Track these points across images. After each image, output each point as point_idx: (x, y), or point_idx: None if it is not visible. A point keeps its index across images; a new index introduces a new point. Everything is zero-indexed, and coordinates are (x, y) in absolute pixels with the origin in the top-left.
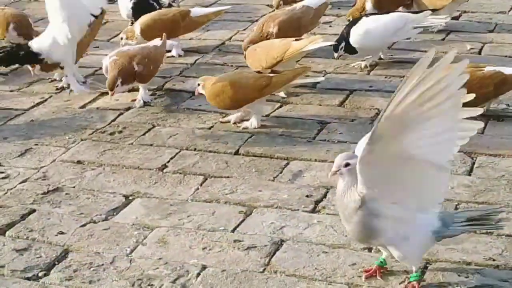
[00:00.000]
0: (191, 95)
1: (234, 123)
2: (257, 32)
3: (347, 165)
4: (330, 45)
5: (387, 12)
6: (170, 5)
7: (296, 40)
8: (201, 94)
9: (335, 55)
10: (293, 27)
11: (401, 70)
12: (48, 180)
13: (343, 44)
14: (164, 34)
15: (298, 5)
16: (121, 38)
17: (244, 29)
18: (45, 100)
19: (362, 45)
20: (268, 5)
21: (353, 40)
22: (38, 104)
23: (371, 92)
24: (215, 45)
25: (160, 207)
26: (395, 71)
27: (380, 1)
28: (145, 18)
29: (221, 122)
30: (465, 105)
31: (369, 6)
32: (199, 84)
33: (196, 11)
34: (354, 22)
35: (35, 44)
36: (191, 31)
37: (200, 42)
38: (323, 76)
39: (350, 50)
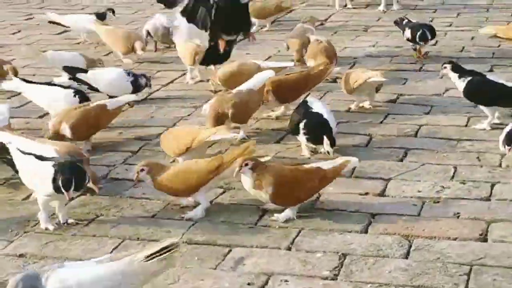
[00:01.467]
0: (135, 183)
1: None
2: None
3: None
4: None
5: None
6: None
7: (205, 128)
8: (140, 181)
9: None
10: (243, 110)
11: (342, 155)
12: None
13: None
14: None
15: (243, 88)
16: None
17: (189, 115)
18: None
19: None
20: (211, 91)
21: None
22: None
23: None
24: (159, 132)
25: None
26: (336, 154)
27: (278, 93)
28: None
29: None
30: None
31: (270, 97)
32: (142, 170)
33: (111, 103)
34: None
35: None
36: (108, 124)
37: (144, 129)
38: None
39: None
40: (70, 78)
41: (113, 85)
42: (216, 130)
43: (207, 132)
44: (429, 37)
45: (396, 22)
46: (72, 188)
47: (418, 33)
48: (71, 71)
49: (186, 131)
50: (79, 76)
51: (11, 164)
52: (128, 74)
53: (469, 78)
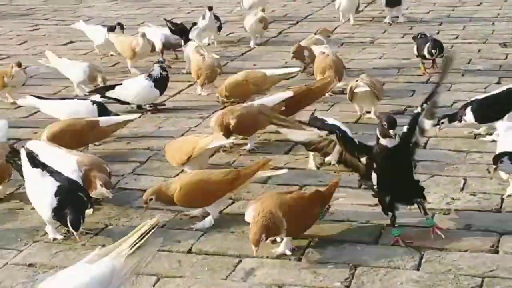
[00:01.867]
0: (143, 193)
1: None
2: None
3: None
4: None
5: None
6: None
7: (206, 136)
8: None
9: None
10: (250, 122)
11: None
12: None
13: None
14: None
15: (255, 102)
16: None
17: (196, 126)
18: None
19: None
20: (218, 101)
21: None
22: None
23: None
24: (167, 143)
25: None
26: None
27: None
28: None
29: None
30: None
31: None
32: (151, 199)
33: (105, 120)
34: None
35: None
36: (101, 139)
37: (152, 140)
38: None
39: None
40: (101, 97)
41: (142, 93)
42: (213, 138)
43: (206, 140)
44: (437, 52)
45: (414, 38)
46: (81, 226)
47: (427, 48)
48: (100, 90)
49: (188, 141)
50: (109, 94)
51: (18, 169)
52: (149, 77)
53: (470, 106)
